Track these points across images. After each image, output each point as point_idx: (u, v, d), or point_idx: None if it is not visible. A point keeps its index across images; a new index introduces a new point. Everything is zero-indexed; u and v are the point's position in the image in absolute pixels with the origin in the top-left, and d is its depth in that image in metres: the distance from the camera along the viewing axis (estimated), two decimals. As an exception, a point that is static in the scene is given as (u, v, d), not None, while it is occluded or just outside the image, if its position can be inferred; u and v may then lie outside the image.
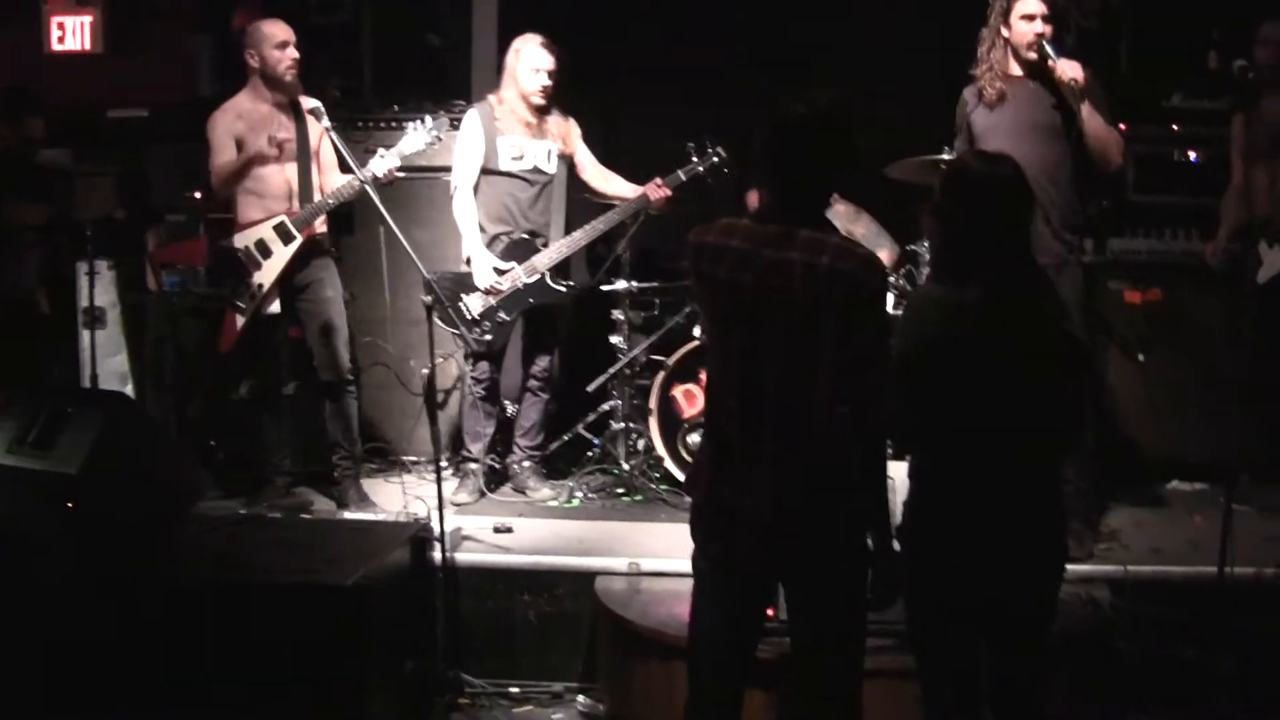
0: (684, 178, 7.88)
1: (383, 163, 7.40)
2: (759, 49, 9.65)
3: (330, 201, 7.41)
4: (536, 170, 7.81)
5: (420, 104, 8.62)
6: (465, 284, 7.73)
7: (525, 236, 7.83)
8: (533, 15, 8.17)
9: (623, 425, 8.28)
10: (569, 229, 8.18)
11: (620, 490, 8.07)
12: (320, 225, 7.62)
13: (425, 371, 6.79)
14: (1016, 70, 6.80)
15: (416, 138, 7.49)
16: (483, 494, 7.99)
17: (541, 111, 7.81)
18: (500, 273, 7.71)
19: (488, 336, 7.61)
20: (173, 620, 5.77)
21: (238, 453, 8.26)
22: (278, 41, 7.45)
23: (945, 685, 4.62)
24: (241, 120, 7.49)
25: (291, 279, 7.54)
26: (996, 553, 4.40)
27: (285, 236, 7.45)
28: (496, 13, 9.25)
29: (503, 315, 7.78)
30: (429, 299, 6.80)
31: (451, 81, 8.97)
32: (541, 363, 8.15)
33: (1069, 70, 6.52)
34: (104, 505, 6.00)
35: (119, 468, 6.11)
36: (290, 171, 7.51)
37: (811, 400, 4.28)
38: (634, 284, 8.39)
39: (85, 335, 8.35)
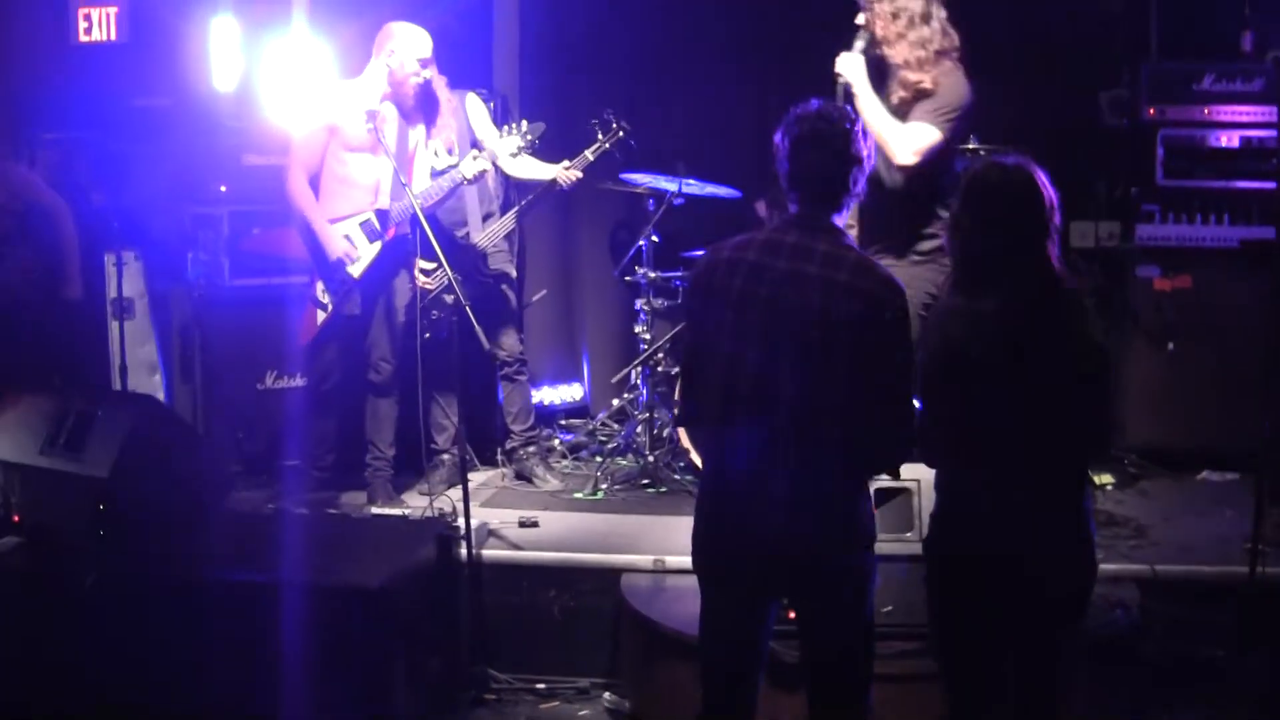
0: (591, 158, 7.79)
1: (475, 164, 7.40)
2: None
3: (420, 201, 7.18)
4: (433, 170, 7.70)
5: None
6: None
7: (455, 233, 7.89)
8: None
9: (646, 415, 8.25)
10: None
11: (645, 482, 8.06)
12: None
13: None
14: None
15: (510, 141, 7.46)
16: (450, 484, 7.87)
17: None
18: (426, 272, 7.63)
19: (426, 335, 7.54)
20: (199, 619, 5.82)
21: (264, 444, 8.32)
22: (420, 56, 7.46)
23: (970, 694, 4.60)
24: (345, 108, 7.45)
25: (374, 276, 7.55)
26: (1023, 563, 4.36)
27: (371, 233, 7.47)
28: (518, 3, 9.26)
29: (435, 312, 7.66)
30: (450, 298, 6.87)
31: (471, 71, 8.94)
32: (504, 348, 8.12)
33: (839, 63, 6.41)
34: (133, 507, 6.03)
35: (148, 470, 6.14)
36: (383, 166, 7.46)
37: (826, 414, 4.27)
38: (654, 272, 8.39)
39: (114, 326, 8.34)
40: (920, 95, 6.37)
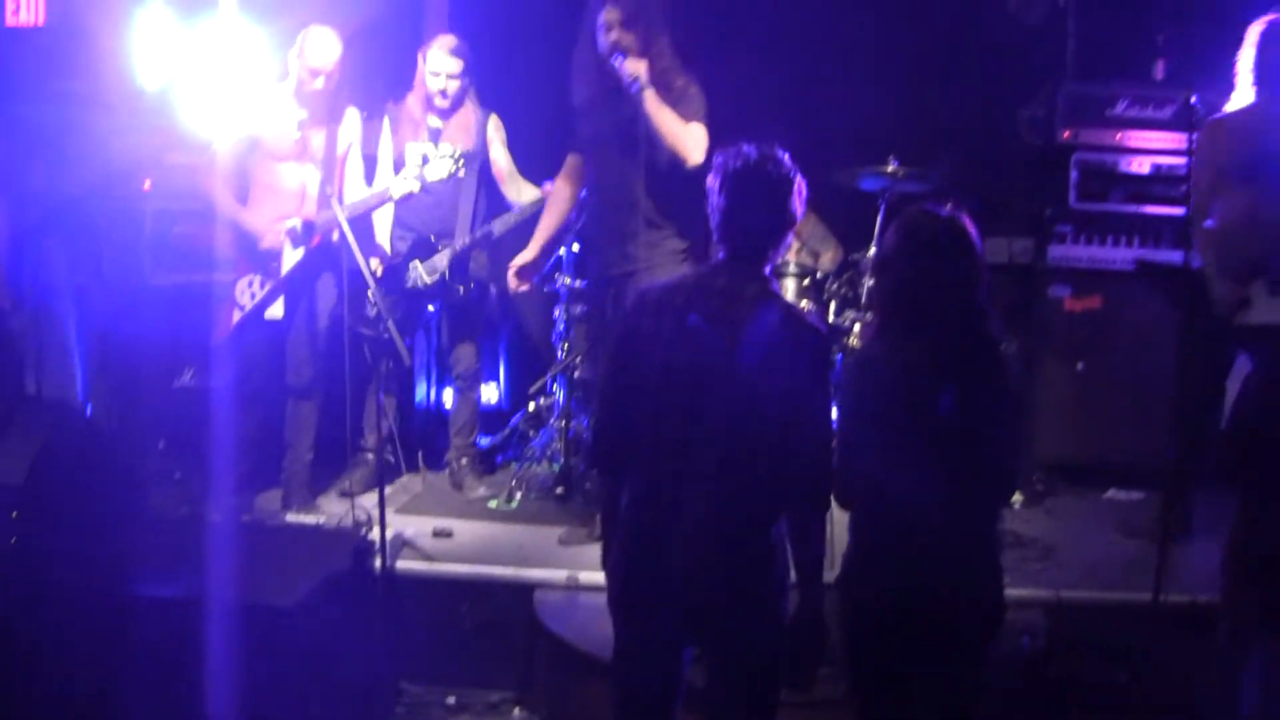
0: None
1: (403, 185, 7.40)
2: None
3: (345, 213, 7.21)
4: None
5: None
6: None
7: (431, 238, 7.92)
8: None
9: (563, 422, 8.29)
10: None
11: (559, 490, 8.09)
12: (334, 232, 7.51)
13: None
14: None
15: (441, 165, 7.46)
16: (368, 487, 7.91)
17: (444, 115, 7.87)
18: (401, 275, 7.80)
19: (385, 335, 7.59)
20: (111, 635, 5.79)
21: (181, 443, 8.28)
22: (313, 65, 7.44)
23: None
24: (267, 116, 7.44)
25: (296, 280, 7.57)
26: (935, 601, 4.45)
27: (295, 240, 7.48)
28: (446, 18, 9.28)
29: (402, 313, 7.86)
30: (374, 309, 6.92)
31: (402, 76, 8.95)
32: (462, 360, 8.21)
33: (629, 68, 6.64)
34: (47, 516, 6.00)
35: (63, 478, 6.10)
36: (309, 174, 7.48)
37: (749, 458, 4.34)
38: (575, 282, 8.46)
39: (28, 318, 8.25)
40: (678, 98, 6.71)
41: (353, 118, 7.77)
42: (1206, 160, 6.92)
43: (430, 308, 8.12)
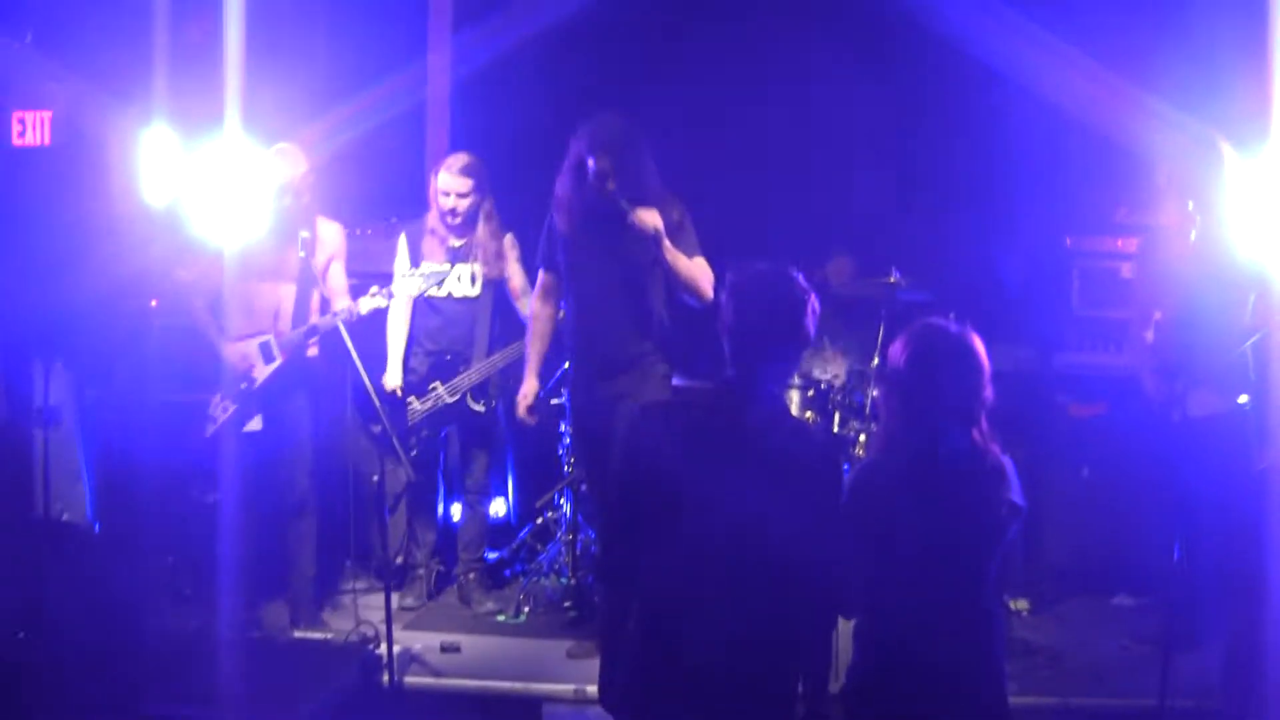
0: None
1: (371, 301, 7.43)
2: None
3: (318, 327, 7.40)
4: (450, 296, 7.93)
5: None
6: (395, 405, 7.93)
7: (447, 357, 8.01)
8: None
9: (570, 536, 8.31)
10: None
11: (567, 604, 8.06)
12: (312, 348, 7.65)
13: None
14: None
15: (413, 282, 7.53)
16: (429, 598, 8.26)
17: (460, 234, 7.97)
18: (421, 395, 7.96)
19: (413, 452, 7.72)
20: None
21: (191, 559, 8.29)
22: (282, 181, 7.50)
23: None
24: (251, 234, 7.46)
25: (270, 398, 7.59)
26: (942, 713, 4.47)
27: (268, 355, 7.52)
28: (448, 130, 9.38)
29: (426, 431, 8.00)
30: (378, 427, 6.93)
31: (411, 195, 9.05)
32: (474, 475, 8.28)
33: (645, 220, 6.63)
34: (59, 634, 6.02)
35: (72, 597, 6.13)
36: (285, 290, 7.55)
37: (760, 577, 4.30)
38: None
39: (39, 435, 8.29)
40: (675, 232, 6.73)
41: (332, 232, 7.83)
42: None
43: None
